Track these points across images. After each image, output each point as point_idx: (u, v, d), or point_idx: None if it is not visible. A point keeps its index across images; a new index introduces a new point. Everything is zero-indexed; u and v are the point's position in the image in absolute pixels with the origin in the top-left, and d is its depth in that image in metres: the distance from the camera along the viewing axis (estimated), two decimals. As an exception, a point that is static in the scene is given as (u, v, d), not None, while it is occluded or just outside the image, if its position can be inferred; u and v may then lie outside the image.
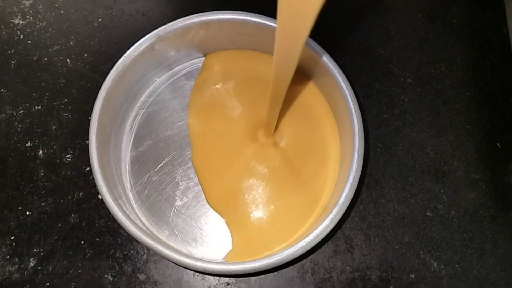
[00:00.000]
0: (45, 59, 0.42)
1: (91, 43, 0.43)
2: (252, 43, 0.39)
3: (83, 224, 0.37)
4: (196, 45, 0.39)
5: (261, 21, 0.36)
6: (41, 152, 0.39)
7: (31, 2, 0.44)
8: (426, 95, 0.42)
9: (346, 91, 0.34)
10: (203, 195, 0.37)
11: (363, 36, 0.43)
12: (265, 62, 0.39)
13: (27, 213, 0.38)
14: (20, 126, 0.40)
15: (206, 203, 0.37)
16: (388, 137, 0.40)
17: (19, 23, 0.43)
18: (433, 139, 0.40)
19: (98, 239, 0.37)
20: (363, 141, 0.34)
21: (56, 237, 0.37)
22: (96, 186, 0.32)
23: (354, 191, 0.33)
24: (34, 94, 0.41)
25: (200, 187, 0.37)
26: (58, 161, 0.39)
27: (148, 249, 0.36)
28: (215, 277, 0.37)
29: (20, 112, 0.40)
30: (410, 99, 0.42)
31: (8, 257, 0.37)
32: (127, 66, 0.35)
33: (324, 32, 0.43)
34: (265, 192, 0.36)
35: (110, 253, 0.37)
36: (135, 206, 0.37)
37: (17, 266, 0.37)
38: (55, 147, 0.39)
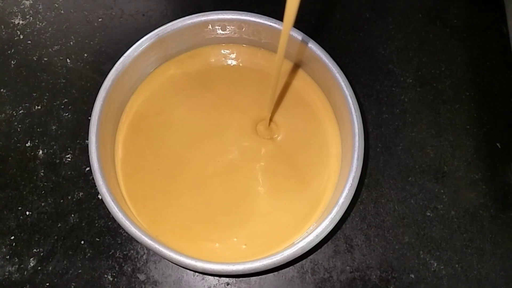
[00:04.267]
0: (45, 59, 0.42)
1: (91, 43, 0.43)
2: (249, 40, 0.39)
3: (83, 224, 0.37)
4: (196, 45, 0.39)
5: (261, 20, 0.36)
6: (41, 152, 0.39)
7: (31, 2, 0.44)
8: (426, 95, 0.42)
9: (346, 91, 0.34)
10: (203, 194, 0.37)
11: (363, 36, 0.43)
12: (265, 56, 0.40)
13: (27, 213, 0.38)
14: (20, 126, 0.40)
15: (206, 203, 0.36)
16: (388, 137, 0.40)
17: (19, 23, 0.43)
18: (433, 139, 0.40)
19: (98, 239, 0.37)
20: (363, 141, 0.34)
21: (56, 237, 0.37)
22: (96, 186, 0.32)
23: (354, 191, 0.33)
24: (34, 94, 0.41)
25: (200, 187, 0.37)
26: (58, 161, 0.39)
27: (148, 249, 0.36)
28: (215, 277, 0.37)
29: (20, 112, 0.40)
30: (410, 99, 0.42)
31: (8, 257, 0.37)
32: (127, 66, 0.35)
33: (324, 32, 0.43)
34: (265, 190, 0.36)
35: (110, 253, 0.37)
36: (135, 206, 0.37)
37: (17, 266, 0.37)
38: (55, 147, 0.39)
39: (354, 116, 0.34)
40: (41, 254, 0.37)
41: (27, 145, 0.39)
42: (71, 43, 0.43)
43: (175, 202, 0.36)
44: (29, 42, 0.43)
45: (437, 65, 0.43)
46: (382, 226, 0.38)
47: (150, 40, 0.36)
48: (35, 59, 0.42)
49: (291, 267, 0.37)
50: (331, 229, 0.32)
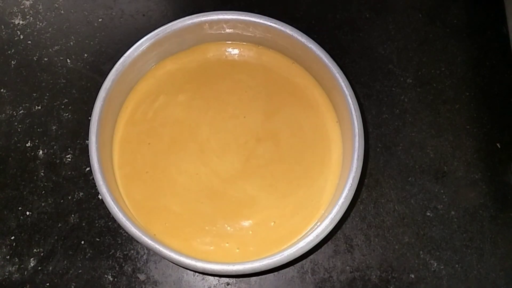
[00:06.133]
0: (45, 59, 0.42)
1: (91, 43, 0.43)
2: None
3: (83, 224, 0.37)
4: (195, 44, 0.39)
5: (261, 21, 0.36)
6: (41, 152, 0.39)
7: (31, 2, 0.44)
8: (426, 95, 0.42)
9: (346, 91, 0.34)
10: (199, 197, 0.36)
11: (363, 36, 0.43)
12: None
13: (27, 213, 0.38)
14: (20, 126, 0.40)
15: (206, 203, 0.36)
16: (388, 137, 0.40)
17: (19, 23, 0.43)
18: (433, 139, 0.40)
19: (98, 239, 0.37)
20: (363, 141, 0.34)
21: (56, 237, 0.37)
22: (96, 186, 0.32)
23: (354, 191, 0.33)
24: (34, 94, 0.41)
25: (199, 186, 0.37)
26: (58, 161, 0.39)
27: (148, 249, 0.36)
28: (215, 277, 0.37)
29: (20, 112, 0.40)
30: (410, 99, 0.42)
31: (8, 257, 0.37)
32: (127, 66, 0.35)
33: (324, 32, 0.43)
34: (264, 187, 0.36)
35: (110, 253, 0.37)
36: (135, 206, 0.37)
37: (17, 266, 0.37)
38: (55, 147, 0.39)
39: (354, 116, 0.34)
40: (41, 254, 0.37)
41: (27, 145, 0.39)
42: (71, 43, 0.43)
43: (171, 204, 0.36)
44: (29, 42, 0.43)
45: (437, 65, 0.43)
46: (382, 226, 0.38)
47: (150, 41, 0.36)
48: (35, 59, 0.42)
49: (291, 267, 0.37)
50: (331, 229, 0.32)
